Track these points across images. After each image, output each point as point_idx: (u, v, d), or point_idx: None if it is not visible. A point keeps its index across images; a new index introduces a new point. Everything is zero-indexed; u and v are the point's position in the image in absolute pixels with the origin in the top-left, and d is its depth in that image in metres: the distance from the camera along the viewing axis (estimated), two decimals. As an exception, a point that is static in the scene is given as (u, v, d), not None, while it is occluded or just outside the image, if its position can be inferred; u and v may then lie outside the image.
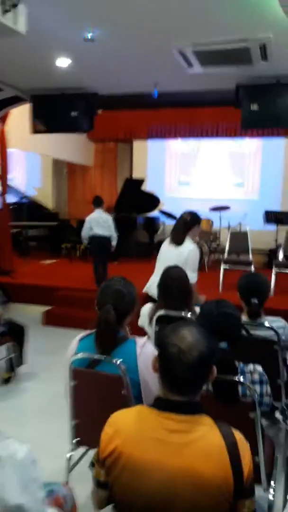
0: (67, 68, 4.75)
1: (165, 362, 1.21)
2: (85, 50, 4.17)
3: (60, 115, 5.61)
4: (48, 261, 8.37)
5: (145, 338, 1.93)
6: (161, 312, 2.59)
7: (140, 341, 1.87)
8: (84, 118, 5.58)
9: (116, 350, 1.82)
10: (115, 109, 8.89)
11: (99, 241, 6.00)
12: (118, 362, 1.77)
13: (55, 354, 4.43)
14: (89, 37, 3.73)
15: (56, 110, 5.63)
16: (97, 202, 6.27)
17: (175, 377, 1.20)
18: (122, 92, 5.87)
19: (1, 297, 3.64)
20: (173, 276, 2.60)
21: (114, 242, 6.05)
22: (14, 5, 2.74)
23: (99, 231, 6.06)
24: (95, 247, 6.09)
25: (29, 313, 5.74)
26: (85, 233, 6.05)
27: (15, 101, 6.08)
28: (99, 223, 6.06)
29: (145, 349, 1.83)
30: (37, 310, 5.75)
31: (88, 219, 6.09)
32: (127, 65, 4.69)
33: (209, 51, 3.96)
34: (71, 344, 1.97)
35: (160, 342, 1.24)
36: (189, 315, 2.50)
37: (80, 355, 1.87)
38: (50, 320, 5.49)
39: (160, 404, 1.23)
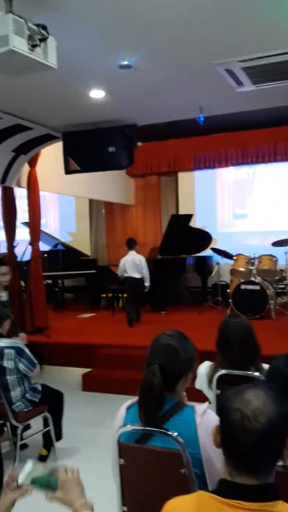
0: (102, 99, 5.02)
1: (226, 432, 1.17)
2: (121, 78, 4.41)
3: (95, 152, 5.88)
4: (86, 315, 8.46)
5: (205, 405, 1.85)
6: (222, 371, 2.49)
7: (200, 408, 1.80)
8: (122, 153, 5.81)
9: (171, 420, 1.75)
10: (156, 140, 9.23)
11: (132, 282, 7.02)
12: (175, 434, 1.70)
13: (99, 426, 4.36)
14: (126, 64, 3.94)
15: (91, 147, 5.91)
16: (130, 244, 7.29)
17: (239, 451, 1.15)
18: (163, 120, 6.08)
19: (33, 360, 3.68)
20: (233, 327, 2.52)
21: (147, 283, 7.07)
22: (43, 39, 2.97)
23: (133, 273, 7.08)
24: (128, 289, 7.13)
25: (66, 377, 5.75)
26: (120, 275, 7.13)
27: (46, 139, 6.48)
28: (133, 265, 7.08)
29: (206, 418, 1.76)
30: (75, 373, 5.74)
31: (122, 261, 7.14)
32: (167, 90, 4.88)
33: (261, 65, 4.05)
34: (118, 413, 1.93)
35: (220, 408, 1.20)
36: (256, 374, 2.39)
37: (128, 427, 1.81)
38: (90, 384, 5.46)
39: (225, 489, 1.17)
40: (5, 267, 4.83)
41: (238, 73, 4.33)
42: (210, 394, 2.61)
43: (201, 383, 2.61)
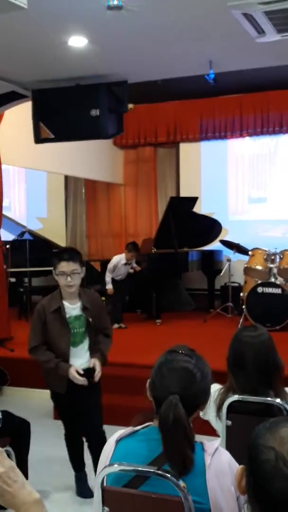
0: (84, 48, 5.00)
1: (256, 476, 1.17)
2: (109, 23, 4.39)
3: (74, 116, 5.86)
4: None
5: (216, 442, 1.87)
6: (234, 397, 2.52)
7: (210, 445, 1.82)
8: (109, 118, 5.80)
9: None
10: (152, 102, 9.22)
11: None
12: (181, 483, 1.71)
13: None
14: (115, 4, 3.93)
15: (69, 109, 5.89)
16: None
17: (270, 500, 1.15)
18: (162, 77, 6.08)
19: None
20: (249, 343, 2.54)
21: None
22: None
23: None
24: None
25: (33, 402, 5.75)
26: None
27: (10, 98, 6.44)
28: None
29: (218, 458, 1.78)
30: (44, 397, 5.70)
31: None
32: (168, 39, 4.87)
33: None
34: (105, 448, 1.94)
35: (250, 445, 1.21)
36: (277, 401, 2.41)
37: (116, 467, 1.83)
38: (65, 411, 5.46)
39: None
40: None
41: (258, 19, 4.32)
42: (219, 425, 2.63)
43: (208, 411, 2.63)
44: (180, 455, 1.74)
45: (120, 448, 1.88)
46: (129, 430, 1.91)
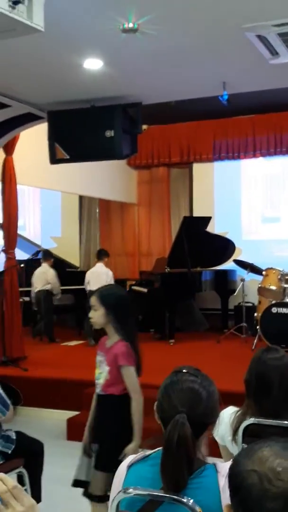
0: (99, 71, 5.05)
1: (245, 505, 1.14)
2: (124, 45, 4.43)
3: (89, 137, 5.90)
4: (73, 342, 8.44)
5: (230, 464, 1.83)
6: (251, 420, 2.47)
7: (224, 467, 1.78)
8: (123, 139, 5.83)
9: (188, 482, 1.74)
10: (166, 123, 9.27)
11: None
12: (191, 502, 1.68)
13: (88, 487, 4.32)
14: (130, 27, 3.97)
15: (84, 130, 5.94)
16: (100, 255, 8.40)
17: None
18: (176, 98, 6.11)
19: (6, 400, 3.66)
20: (273, 366, 2.50)
21: None
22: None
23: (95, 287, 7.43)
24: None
25: (46, 422, 5.71)
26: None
27: (27, 120, 6.52)
28: (97, 279, 7.96)
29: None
30: (58, 417, 5.71)
31: (88, 272, 8.31)
32: (182, 61, 4.91)
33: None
34: (116, 474, 1.91)
35: (231, 477, 1.19)
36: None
37: (130, 492, 1.79)
38: (78, 432, 5.30)
39: None
40: None
41: (272, 41, 4.35)
42: (235, 448, 2.58)
43: (223, 434, 2.58)
44: (175, 474, 1.72)
45: (131, 473, 1.86)
46: (140, 455, 1.89)
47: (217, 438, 2.62)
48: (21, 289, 7.47)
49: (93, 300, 3.25)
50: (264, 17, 4.02)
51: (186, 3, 3.81)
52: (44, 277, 8.51)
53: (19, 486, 1.33)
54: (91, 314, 3.30)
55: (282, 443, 1.19)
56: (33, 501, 1.36)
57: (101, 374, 3.33)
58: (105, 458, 3.25)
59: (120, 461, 3.22)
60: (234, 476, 1.18)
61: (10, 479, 1.33)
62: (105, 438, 3.29)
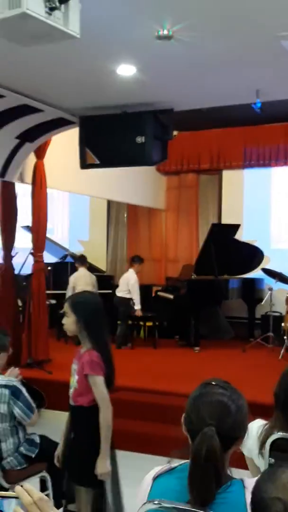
0: (132, 77, 5.05)
1: None
2: (158, 52, 4.43)
3: (120, 143, 5.91)
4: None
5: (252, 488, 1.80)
6: (278, 434, 2.43)
7: (251, 483, 1.72)
8: (154, 145, 5.83)
9: (216, 496, 1.71)
10: (196, 129, 9.24)
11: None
12: (217, 517, 1.66)
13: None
14: (165, 34, 3.96)
15: (115, 136, 5.95)
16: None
17: None
18: (208, 106, 6.08)
19: (31, 403, 3.67)
20: None
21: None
22: (64, 1, 3.01)
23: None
24: None
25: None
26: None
27: (58, 124, 6.56)
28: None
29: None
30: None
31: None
32: (215, 68, 4.89)
33: None
34: (141, 486, 1.88)
35: (254, 502, 1.19)
36: None
37: (155, 505, 1.76)
38: (101, 437, 5.40)
39: None
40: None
41: (308, 49, 4.31)
42: (261, 462, 2.54)
43: (251, 447, 2.54)
44: (203, 487, 1.70)
45: (157, 485, 1.84)
46: (166, 467, 1.87)
47: (244, 451, 2.58)
48: (48, 291, 7.52)
49: (66, 307, 3.19)
50: (301, 25, 3.98)
51: (222, 11, 3.78)
52: (85, 280, 8.41)
53: (45, 497, 1.31)
54: (64, 320, 3.21)
55: None
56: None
57: (72, 383, 3.23)
58: (77, 472, 3.17)
59: (95, 476, 3.14)
60: (257, 502, 1.16)
61: (36, 490, 1.32)
62: (76, 451, 3.20)
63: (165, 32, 4.02)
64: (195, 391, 1.86)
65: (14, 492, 1.29)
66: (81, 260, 8.68)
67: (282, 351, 7.27)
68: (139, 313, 8.26)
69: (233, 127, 9.22)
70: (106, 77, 5.06)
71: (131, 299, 8.31)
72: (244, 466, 2.58)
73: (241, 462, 2.52)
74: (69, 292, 8.43)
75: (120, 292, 8.48)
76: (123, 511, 3.25)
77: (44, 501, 1.29)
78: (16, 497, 1.28)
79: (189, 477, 1.74)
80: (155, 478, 1.86)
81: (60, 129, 6.63)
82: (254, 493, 1.19)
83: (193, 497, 1.72)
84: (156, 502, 1.76)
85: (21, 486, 1.32)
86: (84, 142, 6.17)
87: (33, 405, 3.65)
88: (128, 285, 8.38)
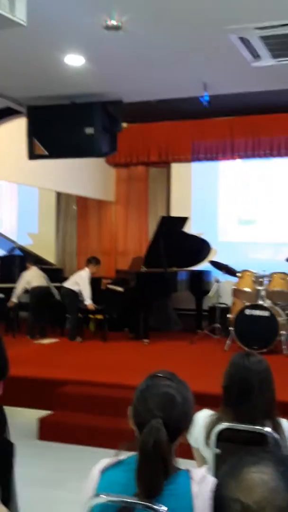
0: (80, 67, 5.00)
1: None
2: (106, 43, 4.39)
3: (69, 133, 5.85)
4: (46, 340, 8.35)
5: (203, 470, 1.82)
6: (224, 425, 2.45)
7: (197, 473, 1.77)
8: (103, 136, 5.80)
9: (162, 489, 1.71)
10: (145, 122, 9.24)
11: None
12: (164, 509, 1.65)
13: (60, 487, 4.27)
14: (113, 24, 3.93)
15: (64, 127, 5.88)
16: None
17: None
18: (156, 98, 6.08)
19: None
20: (256, 371, 2.48)
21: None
22: (10, -12, 2.94)
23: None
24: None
25: (17, 421, 5.60)
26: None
27: (5, 114, 6.44)
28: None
29: (205, 487, 1.72)
30: (29, 416, 5.62)
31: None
32: (164, 60, 4.89)
33: (284, 35, 4.08)
34: (88, 479, 1.87)
35: (215, 495, 1.16)
36: (268, 430, 2.35)
37: (103, 498, 1.75)
38: (49, 431, 5.35)
39: None
40: None
41: (255, 43, 4.36)
42: (207, 452, 2.56)
43: (197, 437, 2.56)
44: (151, 480, 1.70)
45: (104, 478, 1.83)
46: (113, 460, 1.86)
47: (190, 441, 2.60)
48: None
49: None
50: (247, 20, 4.02)
51: (170, 3, 3.78)
52: (39, 277, 8.54)
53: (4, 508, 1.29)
54: None
55: (274, 467, 1.14)
56: (5, 509, 1.32)
57: None
58: None
59: None
60: (218, 499, 1.14)
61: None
62: None
63: (114, 22, 3.99)
64: (142, 384, 1.86)
65: None
66: (33, 259, 8.75)
67: (228, 342, 7.38)
68: (91, 306, 8.21)
69: (182, 121, 9.27)
70: (54, 66, 4.99)
71: (78, 292, 8.28)
72: (191, 457, 2.60)
73: (188, 453, 2.55)
74: (19, 287, 8.35)
75: (66, 283, 8.45)
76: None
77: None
78: None
79: (137, 469, 1.74)
80: (102, 472, 1.85)
81: (7, 118, 6.53)
82: (217, 486, 1.17)
83: (140, 490, 1.71)
84: (103, 495, 1.76)
85: None
86: (32, 133, 6.08)
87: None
88: (79, 278, 8.36)
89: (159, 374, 1.88)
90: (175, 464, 1.81)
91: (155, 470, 1.71)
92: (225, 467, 1.18)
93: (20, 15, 3.06)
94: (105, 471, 1.85)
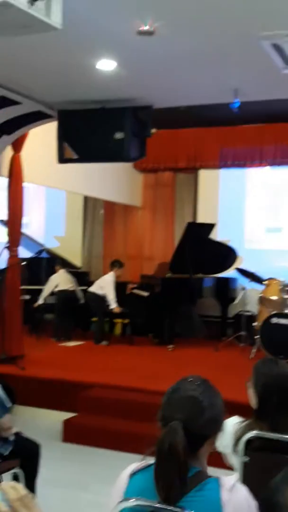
0: (112, 72, 5.02)
1: None
2: (138, 48, 4.40)
3: (99, 138, 5.86)
4: (72, 343, 8.40)
5: (234, 477, 1.79)
6: (253, 433, 2.42)
7: (228, 481, 1.75)
8: (133, 141, 5.80)
9: (190, 495, 1.70)
10: (174, 127, 9.25)
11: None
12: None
13: (83, 489, 4.29)
14: (146, 30, 3.94)
15: (94, 131, 5.90)
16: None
17: None
18: (187, 103, 6.07)
19: (4, 402, 3.60)
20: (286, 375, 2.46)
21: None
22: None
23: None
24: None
25: (41, 423, 5.66)
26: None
27: (36, 118, 6.48)
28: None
29: (236, 495, 1.71)
30: (54, 418, 5.67)
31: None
32: (196, 66, 4.89)
33: None
34: (117, 483, 1.86)
35: (268, 501, 1.16)
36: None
37: (132, 502, 1.74)
38: (73, 434, 5.39)
39: None
40: None
41: (287, 50, 4.32)
42: (235, 459, 2.53)
43: (226, 444, 2.53)
44: (166, 484, 1.68)
45: (133, 483, 1.82)
46: (142, 464, 1.84)
47: (219, 448, 2.57)
48: (22, 287, 7.44)
49: None
50: (280, 26, 3.99)
51: (203, 9, 3.77)
52: (66, 279, 8.73)
53: (30, 494, 1.34)
54: None
55: None
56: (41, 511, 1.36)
57: None
58: None
59: None
60: (270, 503, 1.13)
61: (21, 487, 1.35)
62: None
63: (147, 27, 3.99)
64: (171, 387, 1.85)
65: None
66: (61, 262, 8.90)
67: (254, 350, 7.32)
68: (117, 309, 8.23)
69: (210, 127, 9.25)
70: (86, 71, 5.01)
71: (103, 296, 8.27)
72: (222, 465, 2.57)
73: (219, 460, 2.52)
74: (47, 289, 8.40)
75: (91, 288, 8.52)
76: None
77: (29, 498, 1.33)
78: None
79: (154, 473, 1.72)
80: (131, 475, 1.84)
81: (38, 122, 6.56)
82: (271, 492, 1.16)
83: (159, 492, 1.69)
84: (132, 500, 1.75)
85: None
86: (62, 137, 6.11)
87: (7, 404, 3.57)
88: (103, 282, 8.36)
89: (188, 378, 1.86)
90: (205, 470, 1.80)
91: (170, 473, 1.68)
92: (281, 474, 1.16)
93: (55, 18, 3.09)
94: (133, 475, 1.84)
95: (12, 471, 3.63)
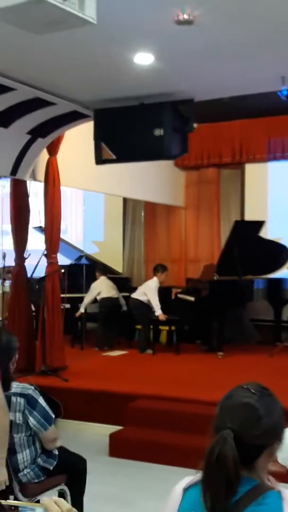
0: (150, 66, 5.04)
1: None
2: (177, 38, 4.40)
3: (137, 136, 5.89)
4: (116, 352, 8.44)
5: (296, 491, 1.77)
6: None
7: None
8: (173, 138, 5.80)
9: (249, 509, 1.69)
10: (217, 120, 9.21)
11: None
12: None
13: (131, 506, 4.29)
14: (185, 19, 3.94)
15: (132, 129, 5.93)
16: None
17: None
18: (231, 94, 6.04)
19: (49, 413, 3.65)
20: None
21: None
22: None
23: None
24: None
25: (87, 437, 5.71)
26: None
27: (72, 118, 6.57)
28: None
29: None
30: (99, 432, 5.71)
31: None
32: (239, 55, 4.86)
33: None
34: (171, 496, 1.86)
35: None
36: None
37: (189, 516, 1.75)
38: (120, 448, 5.41)
39: None
40: None
41: None
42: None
43: (286, 456, 2.50)
44: (214, 497, 1.67)
45: (188, 496, 1.81)
46: (196, 478, 1.82)
47: (279, 460, 2.54)
48: (62, 295, 7.52)
49: None
50: None
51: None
52: (108, 286, 8.83)
53: (74, 510, 1.32)
54: None
55: None
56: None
57: None
58: None
59: None
60: None
61: (65, 502, 1.33)
62: None
63: (185, 16, 3.99)
64: (224, 395, 1.84)
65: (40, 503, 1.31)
66: (102, 268, 9.01)
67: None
68: (162, 317, 8.24)
69: (256, 118, 9.16)
70: (123, 66, 5.05)
71: (146, 302, 8.31)
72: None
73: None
74: (89, 298, 8.49)
75: (134, 294, 8.57)
76: None
77: None
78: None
79: (201, 483, 1.72)
80: (185, 489, 1.84)
81: (73, 123, 6.64)
82: None
83: (205, 506, 1.69)
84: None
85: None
86: (100, 137, 6.15)
87: (51, 415, 3.62)
88: (146, 288, 8.41)
89: (243, 386, 1.84)
90: (267, 484, 1.77)
91: (217, 485, 1.67)
92: None
93: (90, 12, 3.12)
94: (188, 488, 1.84)
95: (58, 487, 3.68)
